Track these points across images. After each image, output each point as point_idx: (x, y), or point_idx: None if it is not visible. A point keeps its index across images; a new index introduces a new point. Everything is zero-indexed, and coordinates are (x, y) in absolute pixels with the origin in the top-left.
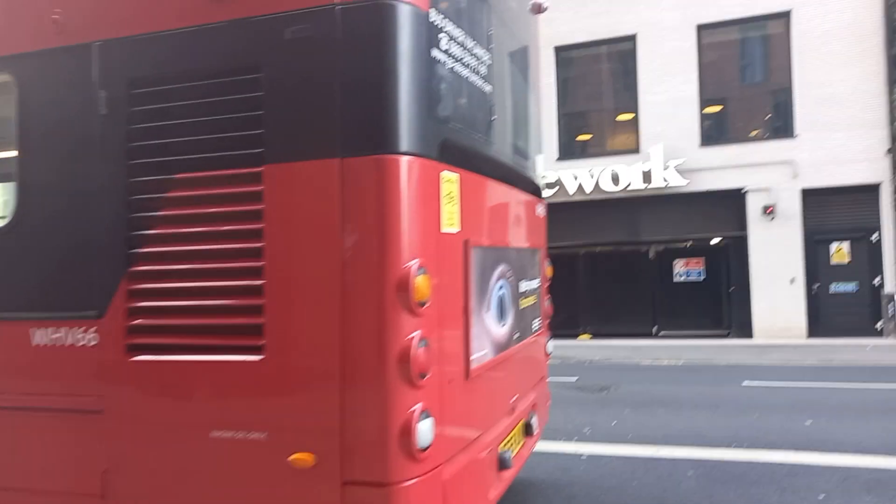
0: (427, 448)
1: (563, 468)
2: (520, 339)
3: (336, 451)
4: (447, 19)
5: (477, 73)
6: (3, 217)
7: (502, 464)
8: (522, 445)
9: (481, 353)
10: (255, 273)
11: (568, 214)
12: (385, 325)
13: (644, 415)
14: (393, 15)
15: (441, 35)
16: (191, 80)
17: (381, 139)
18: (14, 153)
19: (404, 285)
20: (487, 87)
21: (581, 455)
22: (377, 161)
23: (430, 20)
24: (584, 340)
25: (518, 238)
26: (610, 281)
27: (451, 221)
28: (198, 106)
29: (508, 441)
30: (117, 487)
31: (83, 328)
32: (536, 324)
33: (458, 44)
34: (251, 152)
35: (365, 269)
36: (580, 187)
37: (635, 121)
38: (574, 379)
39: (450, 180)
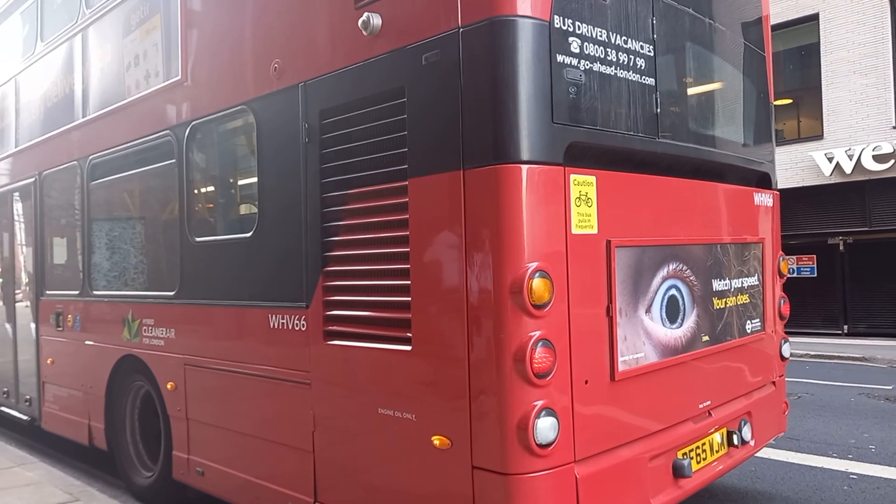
0: (549, 445)
1: (817, 486)
2: (713, 341)
3: (466, 438)
4: (581, 22)
5: (630, 68)
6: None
7: (678, 471)
8: (722, 455)
9: (635, 355)
10: (403, 274)
11: None
12: (501, 326)
13: None
14: (504, 31)
15: (571, 39)
16: (358, 108)
17: (494, 150)
18: (255, 179)
19: (519, 288)
20: (648, 81)
21: (850, 475)
22: (491, 172)
23: (555, 27)
24: None
25: (711, 233)
26: None
27: (585, 223)
28: (363, 130)
29: (694, 449)
30: (318, 445)
31: (298, 316)
32: (753, 325)
33: (598, 43)
34: (399, 168)
35: (484, 273)
36: None
37: None
38: (890, 387)
39: (582, 182)
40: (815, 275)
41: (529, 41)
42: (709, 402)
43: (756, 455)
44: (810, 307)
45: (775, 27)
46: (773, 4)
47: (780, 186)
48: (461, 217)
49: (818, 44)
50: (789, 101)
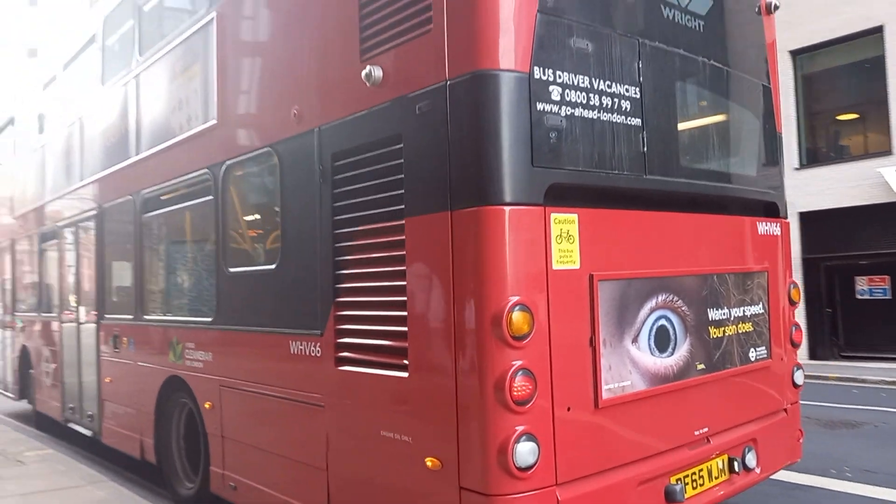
0: (530, 468)
1: None
2: (710, 369)
3: (454, 461)
4: (562, 71)
5: (614, 111)
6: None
7: (669, 496)
8: (723, 481)
9: (621, 383)
10: (401, 306)
11: None
12: (483, 356)
13: None
14: (486, 84)
15: (551, 87)
16: (363, 152)
17: (477, 193)
18: (279, 214)
19: (499, 320)
20: (634, 121)
21: None
22: (475, 213)
23: (535, 78)
24: None
25: (707, 264)
26: None
27: (566, 259)
28: (368, 173)
29: (690, 475)
30: (331, 464)
31: (314, 343)
32: (757, 353)
33: (580, 90)
34: (398, 208)
35: (469, 306)
36: None
37: None
38: None
39: (563, 221)
40: (889, 296)
41: (510, 92)
42: (706, 429)
43: (830, 489)
44: (885, 330)
45: (835, 41)
46: (830, 18)
47: (845, 204)
48: (449, 254)
49: (883, 56)
50: (855, 115)
